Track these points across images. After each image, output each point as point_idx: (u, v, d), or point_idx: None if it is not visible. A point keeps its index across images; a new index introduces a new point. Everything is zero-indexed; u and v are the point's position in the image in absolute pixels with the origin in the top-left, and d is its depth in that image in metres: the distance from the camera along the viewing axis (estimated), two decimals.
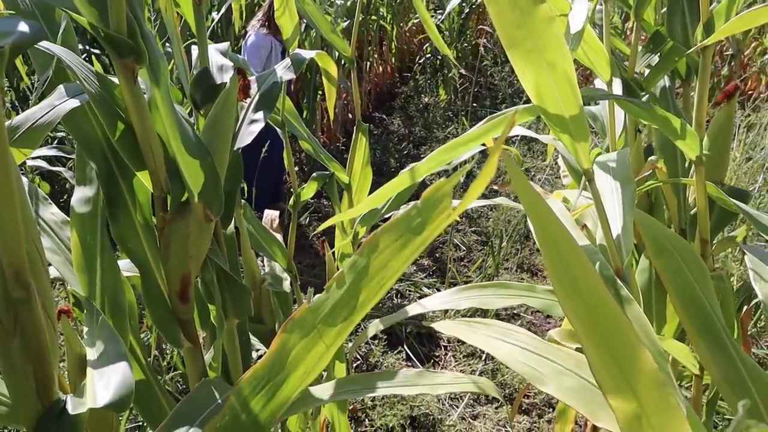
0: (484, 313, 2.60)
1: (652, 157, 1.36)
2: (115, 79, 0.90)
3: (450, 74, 6.23)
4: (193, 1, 1.00)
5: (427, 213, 0.46)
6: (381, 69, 6.59)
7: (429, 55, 6.71)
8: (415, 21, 7.10)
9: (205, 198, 0.90)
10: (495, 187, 1.85)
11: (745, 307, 1.36)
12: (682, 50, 1.35)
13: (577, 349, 1.03)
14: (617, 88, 1.44)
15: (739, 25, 0.86)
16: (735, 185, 1.92)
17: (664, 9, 1.61)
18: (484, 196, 4.21)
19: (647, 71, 1.54)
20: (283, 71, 1.27)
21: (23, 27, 0.54)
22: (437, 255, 3.74)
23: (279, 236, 1.65)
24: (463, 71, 6.33)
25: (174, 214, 0.90)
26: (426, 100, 6.52)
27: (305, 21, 1.55)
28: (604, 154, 1.07)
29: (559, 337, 1.01)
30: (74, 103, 0.87)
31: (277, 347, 0.52)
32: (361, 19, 5.58)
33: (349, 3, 5.45)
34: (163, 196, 0.91)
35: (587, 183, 0.83)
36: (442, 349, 2.99)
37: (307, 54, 1.34)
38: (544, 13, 0.67)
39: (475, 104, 5.92)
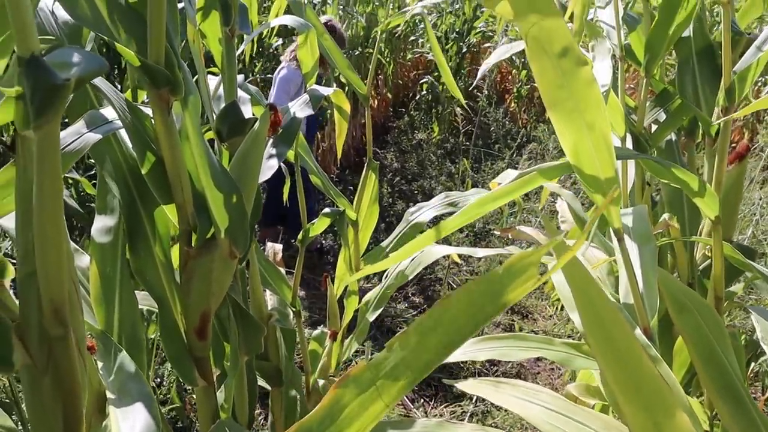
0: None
1: (665, 215, 1.37)
2: (146, 109, 0.89)
3: (445, 111, 6.29)
4: (225, 35, 1.00)
5: (509, 279, 0.45)
6: (376, 103, 6.65)
7: (425, 91, 6.78)
8: (413, 56, 7.20)
9: (231, 234, 0.88)
10: (496, 232, 1.86)
11: (752, 364, 1.36)
12: (692, 109, 1.37)
13: (597, 407, 1.02)
14: (629, 142, 1.46)
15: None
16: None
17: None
18: (484, 238, 4.24)
19: (653, 125, 1.57)
20: (301, 107, 1.28)
21: (87, 59, 0.53)
22: (429, 293, 3.72)
23: (282, 270, 1.63)
24: (458, 109, 6.40)
25: (199, 249, 0.89)
26: (419, 135, 6.57)
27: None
28: (623, 210, 1.08)
29: (577, 392, 1.01)
30: (104, 131, 0.86)
31: (329, 402, 0.50)
32: (358, 52, 5.64)
33: (350, 32, 5.52)
34: (189, 230, 0.89)
35: (617, 242, 0.83)
36: (433, 389, 2.95)
37: (325, 91, 1.35)
38: (587, 75, 0.68)
39: (467, 143, 5.98)
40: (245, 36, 1.23)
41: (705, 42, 1.44)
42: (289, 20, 1.36)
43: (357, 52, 5.53)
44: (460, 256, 3.74)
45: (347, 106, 1.54)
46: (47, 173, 0.53)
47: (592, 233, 1.22)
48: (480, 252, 1.52)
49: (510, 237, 2.66)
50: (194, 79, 1.05)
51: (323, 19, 3.89)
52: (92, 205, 2.23)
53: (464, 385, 0.86)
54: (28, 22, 0.49)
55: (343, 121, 1.58)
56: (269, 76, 4.75)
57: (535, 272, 0.45)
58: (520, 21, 0.62)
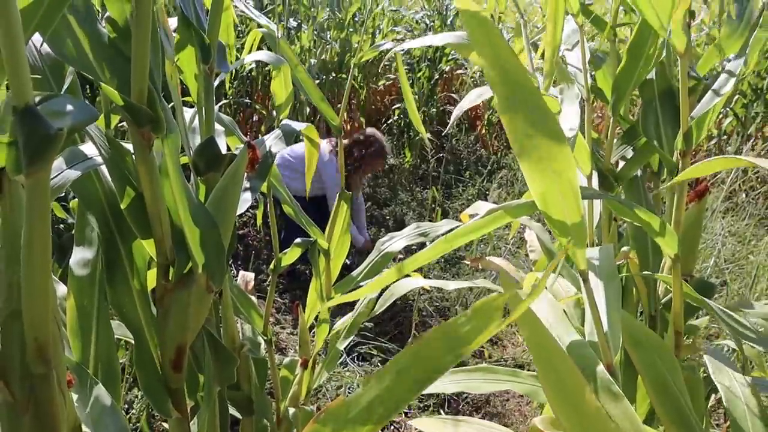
0: None
1: (625, 248, 1.43)
2: (126, 145, 0.92)
3: (416, 138, 6.38)
4: (203, 72, 1.03)
5: (477, 322, 0.49)
6: (348, 127, 6.71)
7: (397, 116, 6.87)
8: (387, 82, 7.30)
9: (209, 269, 0.91)
10: (466, 261, 1.90)
11: (713, 396, 1.42)
12: (656, 149, 1.44)
13: None
14: (595, 179, 1.52)
15: (706, 169, 0.95)
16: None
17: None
18: (454, 263, 4.28)
19: (620, 161, 1.64)
20: (274, 141, 1.31)
21: (79, 109, 0.56)
22: (400, 319, 3.75)
23: (254, 298, 1.65)
24: (429, 136, 6.49)
25: (176, 284, 0.91)
26: (391, 161, 6.63)
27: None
28: (589, 249, 1.13)
29: (542, 426, 1.04)
30: (84, 168, 0.88)
31: None
32: (332, 78, 5.71)
33: (324, 57, 5.59)
34: (167, 264, 0.91)
35: (582, 282, 0.87)
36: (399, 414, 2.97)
37: (298, 126, 1.38)
38: (555, 127, 0.72)
39: (440, 169, 6.06)
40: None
41: (667, 84, 1.52)
42: (263, 56, 1.40)
43: (330, 78, 5.59)
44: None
45: (317, 139, 1.58)
46: (37, 216, 0.55)
47: (558, 269, 1.26)
48: (451, 284, 1.56)
49: (480, 266, 2.71)
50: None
51: (368, 131, 4.06)
52: (61, 227, 2.22)
53: (421, 423, 0.89)
54: (25, 74, 0.52)
55: (314, 152, 1.62)
56: (242, 100, 4.77)
57: (498, 316, 0.49)
58: (488, 77, 0.66)
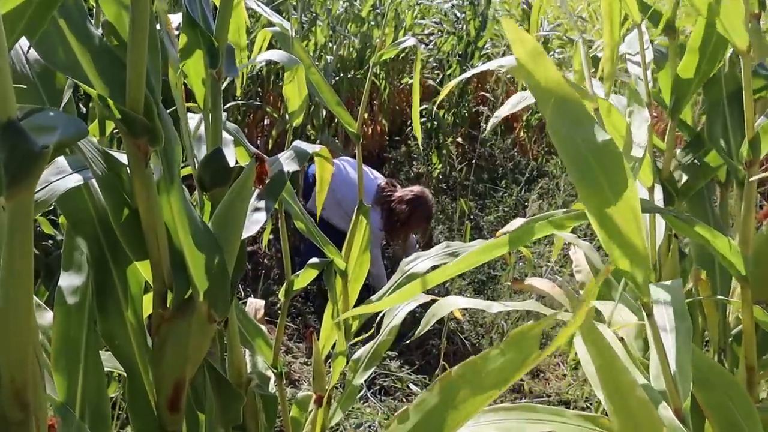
0: None
1: (695, 268, 1.40)
2: (121, 157, 0.92)
3: (446, 141, 6.36)
4: (212, 77, 1.03)
5: (512, 355, 0.48)
6: (370, 130, 6.73)
7: (424, 118, 6.86)
8: (411, 80, 7.31)
9: (211, 296, 0.91)
10: (507, 282, 1.89)
11: None
12: (725, 159, 1.41)
13: None
14: (657, 192, 1.49)
15: None
16: None
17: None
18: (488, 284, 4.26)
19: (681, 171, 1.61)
20: (287, 161, 1.32)
21: (66, 123, 0.56)
22: (426, 348, 3.72)
23: (263, 327, 1.65)
24: (460, 140, 6.48)
25: (174, 312, 0.91)
26: (418, 168, 6.63)
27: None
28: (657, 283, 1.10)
29: None
30: (73, 181, 0.89)
31: None
32: (350, 76, 5.73)
33: (341, 53, 5.61)
34: (164, 290, 0.92)
35: (647, 317, 0.86)
36: None
37: (310, 148, 1.39)
38: (613, 150, 0.72)
39: (472, 178, 6.04)
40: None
41: (737, 84, 1.48)
42: (276, 56, 1.41)
43: (349, 76, 5.61)
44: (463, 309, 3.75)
45: (330, 163, 1.59)
46: (18, 242, 0.55)
47: (618, 298, 1.25)
48: (495, 306, 1.55)
49: (520, 289, 2.68)
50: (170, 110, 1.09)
51: (416, 191, 4.15)
52: (48, 244, 2.24)
53: None
54: (7, 86, 0.52)
55: (326, 174, 1.62)
56: (252, 102, 4.81)
57: (535, 347, 0.48)
58: (540, 105, 0.68)
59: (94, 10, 1.37)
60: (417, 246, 4.47)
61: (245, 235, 1.08)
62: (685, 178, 1.52)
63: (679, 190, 1.45)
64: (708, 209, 1.57)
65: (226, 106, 4.51)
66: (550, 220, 0.92)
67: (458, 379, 0.50)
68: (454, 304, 1.54)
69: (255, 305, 1.73)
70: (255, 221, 1.11)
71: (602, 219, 0.74)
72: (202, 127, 1.12)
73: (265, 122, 5.62)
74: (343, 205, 3.93)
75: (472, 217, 5.38)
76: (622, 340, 1.43)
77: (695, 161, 1.51)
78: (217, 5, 1.07)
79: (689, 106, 1.57)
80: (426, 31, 7.06)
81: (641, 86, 1.36)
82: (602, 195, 0.72)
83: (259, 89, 5.29)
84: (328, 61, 5.04)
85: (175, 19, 1.54)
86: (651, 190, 1.36)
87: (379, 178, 4.22)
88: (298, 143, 1.41)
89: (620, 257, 0.76)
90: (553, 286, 1.62)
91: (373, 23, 5.87)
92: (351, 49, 5.77)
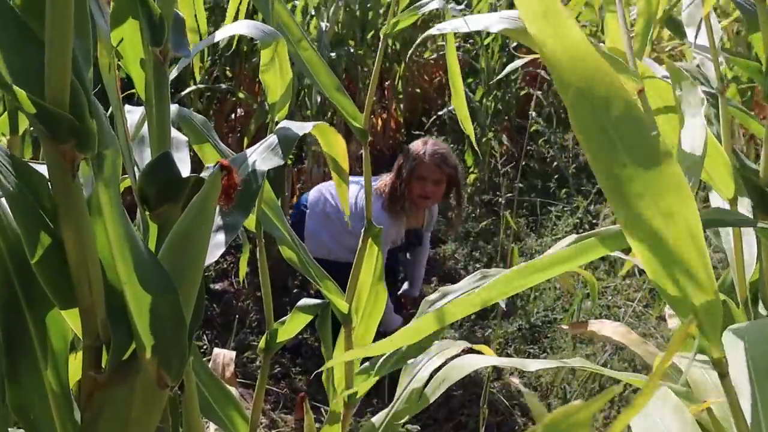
0: None
1: None
2: (42, 168, 0.94)
3: (487, 137, 6.37)
4: (154, 58, 1.05)
5: None
6: (380, 122, 6.75)
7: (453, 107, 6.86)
8: (434, 55, 7.34)
9: (161, 353, 0.92)
10: (563, 326, 1.88)
11: None
12: None
13: None
14: (743, 205, 1.48)
15: None
16: None
17: None
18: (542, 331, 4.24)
19: None
20: (264, 155, 1.32)
21: None
22: (461, 419, 3.72)
23: (235, 390, 1.66)
24: (504, 140, 6.48)
25: (112, 375, 0.92)
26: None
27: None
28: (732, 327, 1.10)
29: None
30: None
31: None
32: (345, 51, 5.72)
33: (338, 25, 5.64)
34: (97, 346, 0.93)
35: (720, 378, 0.86)
36: None
37: (301, 128, 1.40)
38: (660, 146, 0.72)
39: (520, 185, 6.04)
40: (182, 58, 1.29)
41: None
42: (246, 28, 1.42)
43: (343, 51, 5.59)
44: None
45: (343, 154, 1.59)
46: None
47: (695, 351, 1.24)
48: (533, 364, 1.55)
49: (584, 336, 2.68)
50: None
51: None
52: None
53: None
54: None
55: (344, 186, 1.64)
56: (219, 86, 4.85)
57: None
58: (558, 84, 0.67)
59: None
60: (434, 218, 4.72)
61: (206, 262, 1.09)
62: None
63: None
64: None
65: (182, 93, 4.55)
66: (602, 237, 0.93)
67: None
68: (473, 364, 1.54)
69: (223, 359, 1.75)
70: (217, 244, 1.13)
71: (646, 244, 0.74)
72: (146, 127, 1.13)
73: (239, 112, 5.66)
74: (334, 224, 4.10)
75: (521, 238, 5.38)
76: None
77: None
78: None
79: None
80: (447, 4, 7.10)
81: (709, 67, 1.37)
82: (645, 211, 0.72)
83: (228, 67, 5.33)
84: (323, 29, 5.06)
85: None
86: (733, 201, 1.37)
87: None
88: (285, 124, 1.41)
89: (680, 307, 0.75)
90: (628, 332, 1.62)
91: None
92: (350, 14, 5.77)
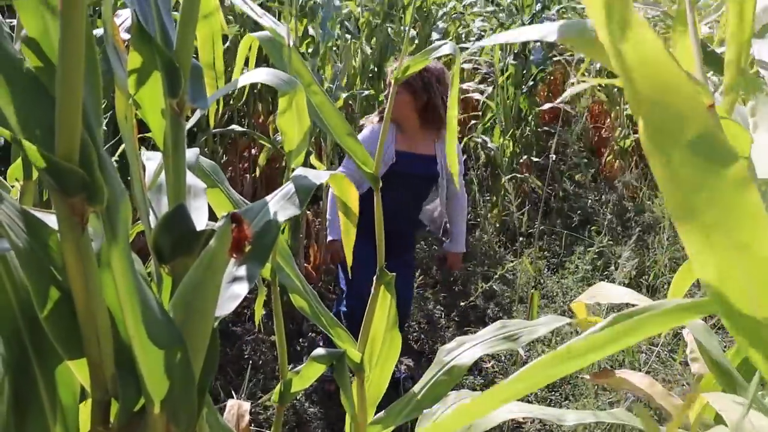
0: None
1: None
2: (49, 219, 0.95)
3: (501, 181, 6.37)
4: (171, 109, 1.06)
5: None
6: None
7: (469, 140, 6.87)
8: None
9: (170, 407, 0.92)
10: (585, 376, 1.87)
11: None
12: None
13: None
14: None
15: None
16: None
17: None
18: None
19: None
20: (281, 204, 1.33)
21: None
22: None
23: None
24: (529, 178, 6.49)
25: (120, 430, 0.93)
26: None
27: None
28: None
29: None
30: None
31: None
32: (364, 91, 5.75)
33: (358, 62, 5.68)
34: (106, 400, 0.94)
35: None
36: None
37: (317, 177, 1.41)
38: (737, 173, 0.70)
39: (541, 225, 6.03)
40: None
41: None
42: (265, 76, 1.44)
43: (362, 93, 5.61)
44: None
45: (355, 203, 1.61)
46: None
47: (751, 399, 1.23)
48: (570, 415, 1.54)
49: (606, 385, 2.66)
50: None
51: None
52: None
53: None
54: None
55: (351, 226, 1.65)
56: (232, 129, 4.88)
57: None
58: (631, 101, 0.66)
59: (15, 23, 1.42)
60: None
61: (219, 313, 1.10)
62: None
63: None
64: None
65: (199, 136, 4.59)
66: (657, 314, 0.92)
67: None
68: (497, 417, 1.53)
69: (238, 410, 1.75)
70: (232, 296, 1.13)
71: (722, 287, 0.73)
72: (163, 176, 1.14)
73: (253, 150, 5.69)
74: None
75: (541, 281, 5.36)
76: None
77: None
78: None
79: None
80: (477, 27, 7.11)
81: None
82: (724, 251, 0.70)
83: (243, 107, 5.38)
84: (336, 70, 5.10)
85: (125, 17, 1.58)
86: None
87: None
88: (300, 172, 1.43)
89: (750, 337, 0.74)
90: (652, 383, 1.60)
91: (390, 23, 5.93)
92: (363, 56, 5.79)
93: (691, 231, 0.71)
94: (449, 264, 4.46)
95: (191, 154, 1.48)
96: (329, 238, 4.15)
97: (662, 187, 0.71)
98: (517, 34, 1.31)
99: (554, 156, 6.08)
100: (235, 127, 4.87)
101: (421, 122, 4.04)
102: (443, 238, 4.45)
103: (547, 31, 1.23)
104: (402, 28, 6.01)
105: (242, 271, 1.18)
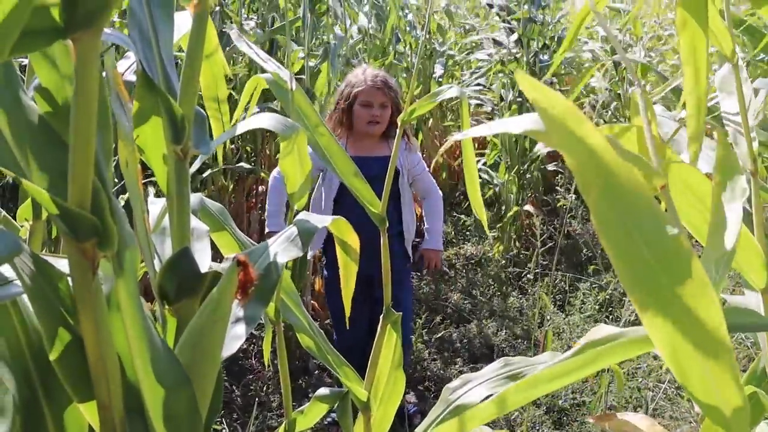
0: None
1: None
2: (62, 263, 0.97)
3: (507, 219, 6.39)
4: (174, 156, 1.08)
5: None
6: None
7: (485, 173, 6.89)
8: (454, 122, 7.37)
9: None
10: (589, 419, 1.88)
11: None
12: None
13: None
14: None
15: None
16: None
17: None
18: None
19: None
20: (284, 246, 1.36)
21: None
22: None
23: None
24: (530, 209, 6.51)
25: None
26: (469, 248, 6.65)
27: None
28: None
29: None
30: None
31: None
32: None
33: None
34: None
35: None
36: None
37: (320, 221, 1.44)
38: (683, 246, 0.72)
39: (549, 263, 6.04)
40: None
41: None
42: (267, 122, 1.47)
43: None
44: None
45: (355, 242, 1.62)
46: None
47: None
48: None
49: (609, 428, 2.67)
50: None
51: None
52: None
53: None
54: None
55: (351, 264, 1.66)
56: (240, 166, 4.92)
57: None
58: (582, 185, 0.69)
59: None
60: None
61: (223, 354, 1.12)
62: None
63: None
64: None
65: (204, 174, 4.62)
66: (631, 340, 0.94)
67: None
68: None
69: None
70: (235, 336, 1.15)
71: (669, 348, 0.74)
72: (167, 219, 1.16)
73: (259, 189, 5.72)
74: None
75: (548, 317, 5.36)
76: None
77: None
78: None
79: None
80: (476, 70, 7.17)
81: (741, 144, 1.37)
82: (668, 313, 0.72)
83: (249, 146, 5.42)
84: None
85: (124, 67, 1.61)
86: (765, 291, 1.36)
87: None
88: (303, 216, 1.46)
89: (712, 415, 0.76)
90: (653, 424, 1.61)
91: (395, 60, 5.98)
92: None
93: (643, 303, 0.71)
94: (428, 262, 4.46)
95: (195, 198, 1.50)
96: (267, 230, 4.16)
97: (615, 265, 0.73)
98: (486, 128, 1.35)
99: (560, 193, 6.10)
100: (243, 164, 4.91)
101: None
102: (416, 240, 4.50)
103: (511, 125, 1.27)
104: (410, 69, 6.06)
105: (245, 312, 1.20)
